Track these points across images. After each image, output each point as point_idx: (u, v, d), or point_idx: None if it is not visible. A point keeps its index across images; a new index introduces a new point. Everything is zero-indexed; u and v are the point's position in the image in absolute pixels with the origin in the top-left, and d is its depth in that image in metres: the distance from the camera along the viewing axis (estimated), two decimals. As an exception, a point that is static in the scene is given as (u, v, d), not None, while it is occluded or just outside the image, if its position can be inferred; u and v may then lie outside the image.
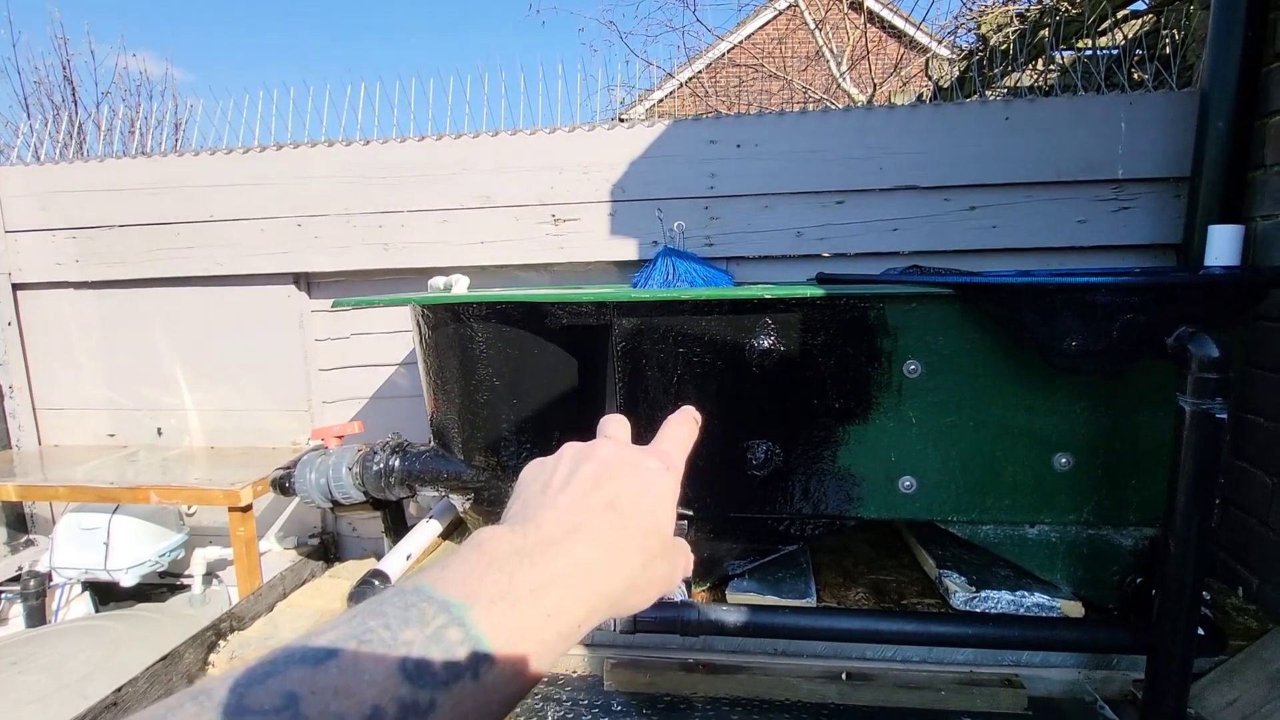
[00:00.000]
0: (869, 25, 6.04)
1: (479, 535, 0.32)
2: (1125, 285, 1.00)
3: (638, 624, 1.15)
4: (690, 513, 1.28)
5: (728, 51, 7.15)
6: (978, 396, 1.16)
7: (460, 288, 1.64)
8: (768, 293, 1.17)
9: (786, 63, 6.59)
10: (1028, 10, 2.85)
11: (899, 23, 6.47)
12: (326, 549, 2.09)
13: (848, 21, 5.40)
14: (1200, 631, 1.08)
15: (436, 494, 1.52)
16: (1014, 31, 2.82)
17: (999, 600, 1.21)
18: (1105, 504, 1.17)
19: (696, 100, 6.22)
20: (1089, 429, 1.15)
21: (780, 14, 7.14)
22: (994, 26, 3.12)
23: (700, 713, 1.16)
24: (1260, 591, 1.28)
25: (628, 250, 1.77)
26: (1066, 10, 2.53)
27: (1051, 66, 2.72)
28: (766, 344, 1.21)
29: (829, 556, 1.49)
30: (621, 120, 1.90)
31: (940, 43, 5.20)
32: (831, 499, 1.23)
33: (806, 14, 5.55)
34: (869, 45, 5.21)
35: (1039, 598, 1.20)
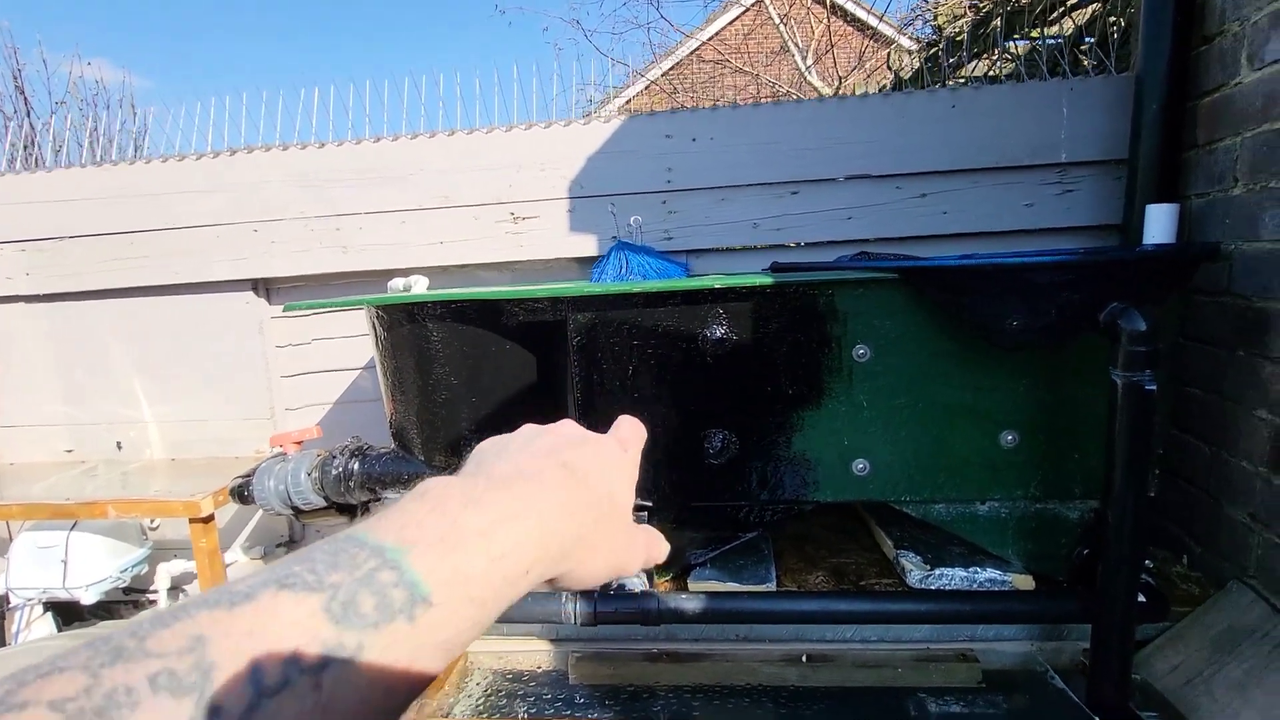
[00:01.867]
0: (833, 18, 6.10)
1: (424, 485, 0.30)
2: (1059, 264, 1.03)
3: (598, 616, 1.16)
4: (650, 504, 1.29)
5: (697, 49, 7.18)
6: (925, 378, 1.19)
7: (419, 289, 1.63)
8: (718, 283, 1.18)
9: (754, 58, 6.63)
10: (981, 1, 2.90)
11: (861, 14, 6.55)
12: (295, 557, 2.06)
13: (811, 16, 5.45)
14: (1143, 599, 1.11)
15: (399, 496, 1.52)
16: (968, 22, 2.87)
17: (953, 577, 1.24)
18: (1051, 479, 1.20)
19: (665, 97, 6.23)
20: (1032, 406, 1.17)
21: (747, 10, 7.19)
22: (950, 17, 3.18)
23: (662, 701, 1.17)
24: (1203, 558, 1.32)
25: (588, 246, 1.78)
26: (1016, 1, 2.59)
27: (1005, 56, 2.78)
28: (719, 333, 1.22)
29: (791, 542, 1.51)
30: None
31: (902, 33, 5.27)
32: (788, 484, 1.25)
33: (771, 9, 5.59)
34: (832, 39, 5.27)
35: (991, 573, 1.23)
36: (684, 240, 1.74)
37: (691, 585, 1.29)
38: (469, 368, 1.35)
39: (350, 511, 1.63)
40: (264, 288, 1.97)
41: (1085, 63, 2.00)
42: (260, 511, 2.08)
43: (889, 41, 5.77)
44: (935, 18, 3.28)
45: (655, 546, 0.40)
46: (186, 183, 1.92)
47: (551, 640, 1.32)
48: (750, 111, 1.70)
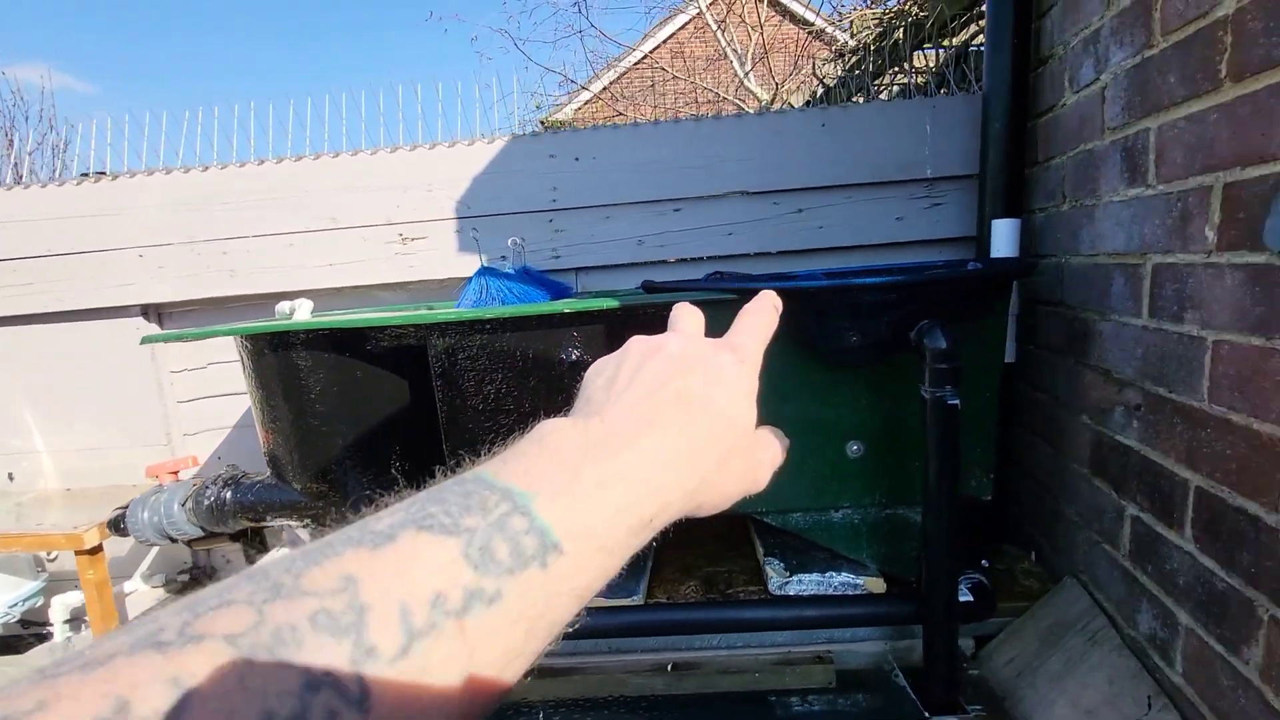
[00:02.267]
0: (771, 18, 6.20)
1: (540, 428, 0.30)
2: (872, 285, 1.08)
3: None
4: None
5: (644, 58, 7.23)
6: (773, 393, 1.21)
7: (303, 312, 1.62)
8: (568, 307, 1.21)
9: (697, 64, 6.70)
10: (885, 13, 2.99)
11: (797, 8, 6.66)
12: (200, 584, 2.03)
13: (746, 23, 5.54)
14: (972, 598, 1.18)
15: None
16: (872, 35, 2.95)
17: (809, 582, 1.29)
18: (895, 485, 1.25)
19: (604, 105, 6.27)
20: (874, 417, 1.23)
21: (691, 19, 7.26)
22: (862, 28, 3.27)
23: (528, 716, 1.20)
24: (1047, 555, 1.39)
25: (476, 266, 1.79)
26: (915, 14, 2.68)
27: (910, 67, 2.87)
28: (575, 356, 1.25)
29: (675, 552, 1.54)
30: (544, 128, 1.91)
31: (835, 26, 5.39)
32: (648, 500, 1.28)
33: (708, 15, 5.66)
34: (766, 45, 5.35)
35: (845, 577, 1.28)
36: (570, 258, 1.77)
37: (561, 601, 1.31)
38: (336, 394, 1.36)
39: (239, 538, 1.62)
40: (154, 313, 1.94)
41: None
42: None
43: (829, 41, 5.89)
44: (850, 26, 3.37)
45: (778, 448, 0.38)
46: (68, 208, 1.88)
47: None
48: (630, 131, 1.73)
